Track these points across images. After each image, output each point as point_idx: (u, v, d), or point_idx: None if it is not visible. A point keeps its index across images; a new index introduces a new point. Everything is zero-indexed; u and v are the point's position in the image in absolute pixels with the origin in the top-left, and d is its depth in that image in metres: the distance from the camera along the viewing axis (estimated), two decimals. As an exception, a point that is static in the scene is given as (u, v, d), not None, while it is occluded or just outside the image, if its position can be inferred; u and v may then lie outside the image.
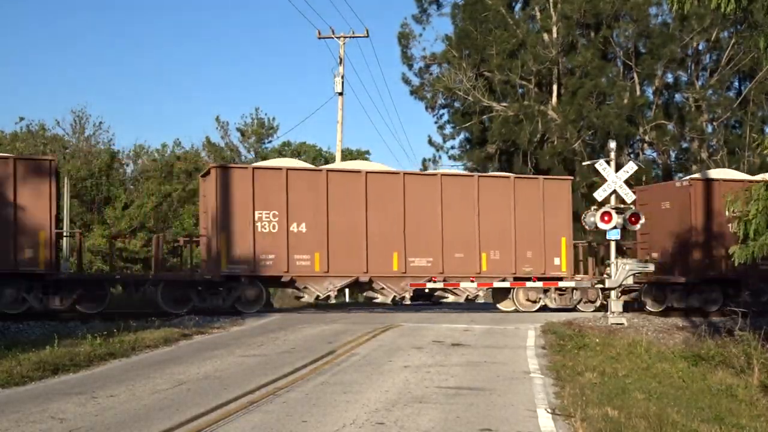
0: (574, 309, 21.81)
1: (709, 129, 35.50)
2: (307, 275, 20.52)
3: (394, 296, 21.24)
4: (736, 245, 12.44)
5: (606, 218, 18.90)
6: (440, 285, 21.49)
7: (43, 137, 32.94)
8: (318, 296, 20.77)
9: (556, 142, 34.61)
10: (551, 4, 34.99)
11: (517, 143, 34.63)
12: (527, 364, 12.06)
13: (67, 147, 33.33)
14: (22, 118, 34.19)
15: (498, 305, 22.50)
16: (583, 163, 26.92)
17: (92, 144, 34.12)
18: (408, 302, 21.98)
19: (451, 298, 23.60)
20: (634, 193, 20.13)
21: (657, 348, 14.25)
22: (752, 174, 24.37)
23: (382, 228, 21.02)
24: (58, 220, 19.54)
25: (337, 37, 33.22)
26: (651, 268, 19.61)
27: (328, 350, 13.16)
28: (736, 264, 12.51)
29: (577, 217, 22.67)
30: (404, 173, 21.90)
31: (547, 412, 8.54)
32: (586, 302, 22.19)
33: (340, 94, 32.79)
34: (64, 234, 20.41)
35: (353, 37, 33.47)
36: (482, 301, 25.04)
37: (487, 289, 22.25)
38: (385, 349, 13.45)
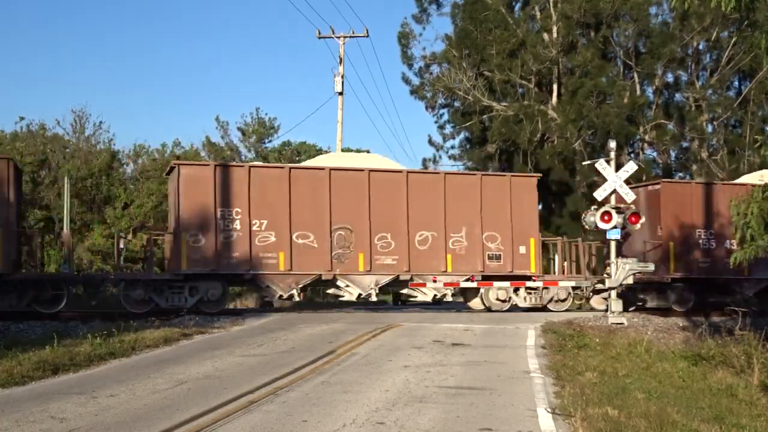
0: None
1: (709, 129, 35.48)
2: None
3: None
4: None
5: (606, 218, 18.88)
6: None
7: (43, 137, 32.83)
8: None
9: (556, 142, 34.59)
10: (551, 4, 34.95)
11: (517, 143, 34.58)
12: (527, 364, 12.06)
13: (67, 147, 33.22)
14: (22, 118, 34.03)
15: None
16: (583, 163, 26.89)
17: (92, 144, 34.04)
18: None
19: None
20: None
21: (657, 348, 14.26)
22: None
23: None
24: None
25: (336, 37, 33.19)
26: (651, 267, 19.60)
27: (329, 350, 13.16)
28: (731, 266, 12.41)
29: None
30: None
31: (548, 411, 8.54)
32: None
33: (340, 93, 32.75)
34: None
35: (353, 36, 33.44)
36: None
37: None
38: (386, 349, 13.46)
